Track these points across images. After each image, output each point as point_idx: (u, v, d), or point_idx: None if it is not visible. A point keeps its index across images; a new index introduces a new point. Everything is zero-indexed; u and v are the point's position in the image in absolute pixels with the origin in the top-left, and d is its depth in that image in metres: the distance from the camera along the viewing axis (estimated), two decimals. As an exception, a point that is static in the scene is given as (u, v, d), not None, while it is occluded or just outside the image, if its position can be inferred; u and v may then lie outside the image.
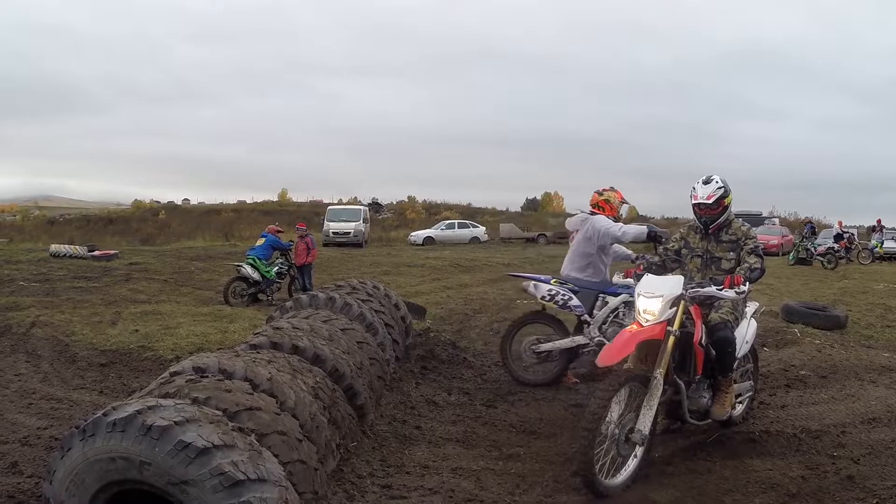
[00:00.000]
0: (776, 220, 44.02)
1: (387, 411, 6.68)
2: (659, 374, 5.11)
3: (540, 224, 57.03)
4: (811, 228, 32.70)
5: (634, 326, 5.35)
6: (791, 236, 36.88)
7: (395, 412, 6.76)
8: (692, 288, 5.50)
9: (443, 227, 46.75)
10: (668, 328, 5.27)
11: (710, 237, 6.23)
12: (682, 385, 5.44)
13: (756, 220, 42.24)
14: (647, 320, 5.29)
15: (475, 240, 45.22)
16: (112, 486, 3.41)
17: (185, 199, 76.93)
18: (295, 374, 4.94)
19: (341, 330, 6.54)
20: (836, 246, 28.77)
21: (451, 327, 12.04)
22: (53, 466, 3.54)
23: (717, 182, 6.06)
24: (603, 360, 5.08)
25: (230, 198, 77.03)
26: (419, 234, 44.64)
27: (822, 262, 27.44)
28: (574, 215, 8.90)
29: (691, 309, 5.49)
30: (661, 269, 6.30)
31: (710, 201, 6.05)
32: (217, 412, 3.66)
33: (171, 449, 3.24)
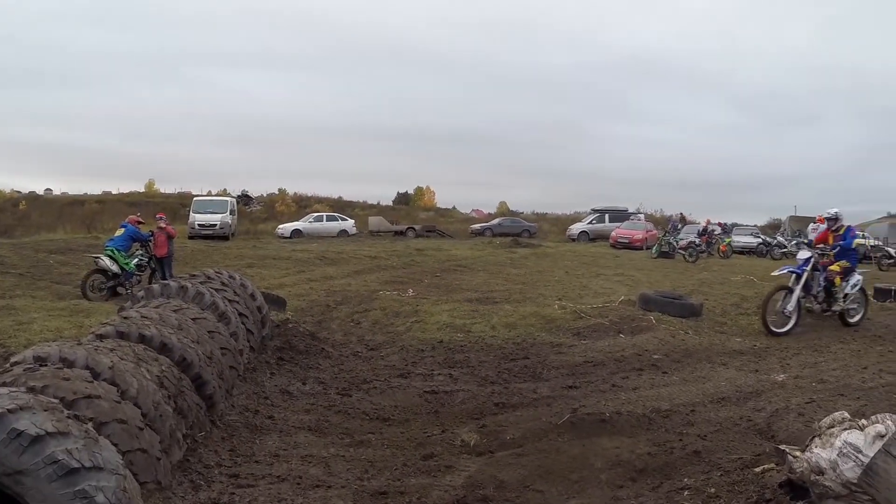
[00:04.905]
0: (642, 216, 45.43)
1: (239, 401, 6.70)
2: None
3: (410, 217, 57.14)
4: (674, 224, 33.99)
5: None
6: (655, 231, 38.22)
7: (248, 402, 6.79)
8: None
9: (311, 220, 46.08)
10: None
11: None
12: None
13: (622, 215, 43.81)
14: None
15: (343, 233, 44.78)
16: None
17: (48, 189, 73.14)
18: (139, 362, 4.93)
19: (192, 319, 6.53)
20: (697, 240, 29.93)
21: (311, 318, 12.12)
22: None
23: None
24: None
25: (95, 188, 73.64)
26: (287, 227, 43.95)
27: (683, 255, 28.61)
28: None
29: None
30: None
31: None
32: (53, 400, 3.64)
33: (5, 438, 3.19)
